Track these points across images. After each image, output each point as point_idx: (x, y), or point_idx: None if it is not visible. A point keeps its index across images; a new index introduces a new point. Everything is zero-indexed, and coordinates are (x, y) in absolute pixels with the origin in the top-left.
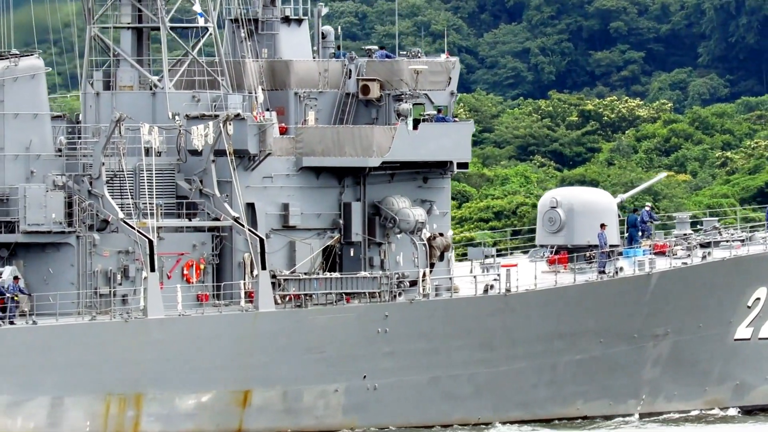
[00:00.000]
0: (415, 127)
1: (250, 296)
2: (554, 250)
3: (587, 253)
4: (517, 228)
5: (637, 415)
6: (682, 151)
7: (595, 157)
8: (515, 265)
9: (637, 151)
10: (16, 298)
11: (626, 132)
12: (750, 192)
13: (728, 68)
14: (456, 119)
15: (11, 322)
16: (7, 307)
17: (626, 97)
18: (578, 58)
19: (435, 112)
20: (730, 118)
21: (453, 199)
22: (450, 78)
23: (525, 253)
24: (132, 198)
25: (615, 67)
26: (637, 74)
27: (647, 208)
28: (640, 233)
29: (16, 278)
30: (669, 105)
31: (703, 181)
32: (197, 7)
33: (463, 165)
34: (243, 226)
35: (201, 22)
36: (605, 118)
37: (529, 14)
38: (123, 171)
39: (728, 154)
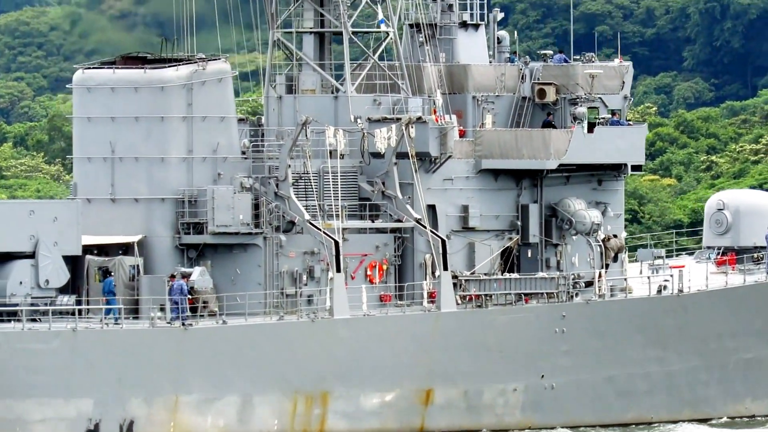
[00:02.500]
0: (590, 130)
1: (431, 296)
2: (721, 251)
3: (755, 255)
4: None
5: None
6: (667, 155)
7: None
8: (683, 267)
9: None
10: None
11: None
12: None
13: (713, 72)
14: (630, 122)
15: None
16: (198, 306)
17: None
18: None
19: (609, 116)
20: (715, 122)
21: None
22: (623, 82)
23: (691, 254)
24: (317, 200)
25: None
26: None
27: None
28: None
29: (184, 277)
30: (654, 109)
31: (687, 185)
32: (380, 15)
33: (637, 167)
34: (425, 227)
35: (383, 28)
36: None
37: (514, 18)
38: (308, 173)
39: (713, 158)
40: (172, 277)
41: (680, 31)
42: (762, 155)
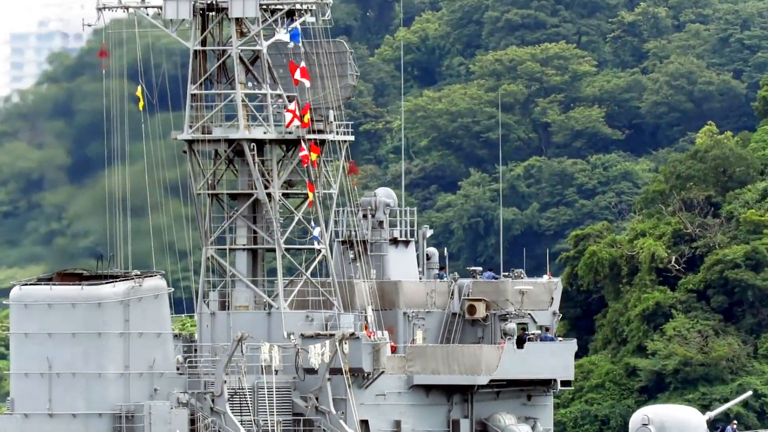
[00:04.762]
0: (520, 346)
1: None
2: None
3: None
4: None
5: None
6: None
7: None
8: None
9: None
10: None
11: None
12: None
13: None
14: (560, 339)
15: None
16: None
17: None
18: None
19: (539, 331)
20: None
21: None
22: (552, 298)
23: None
24: (252, 415)
25: None
26: None
27: (733, 426)
28: None
29: None
30: None
31: None
32: (317, 232)
33: (566, 383)
34: None
35: (317, 245)
36: None
37: None
38: (244, 389)
39: None
40: None
41: (442, 246)
42: None
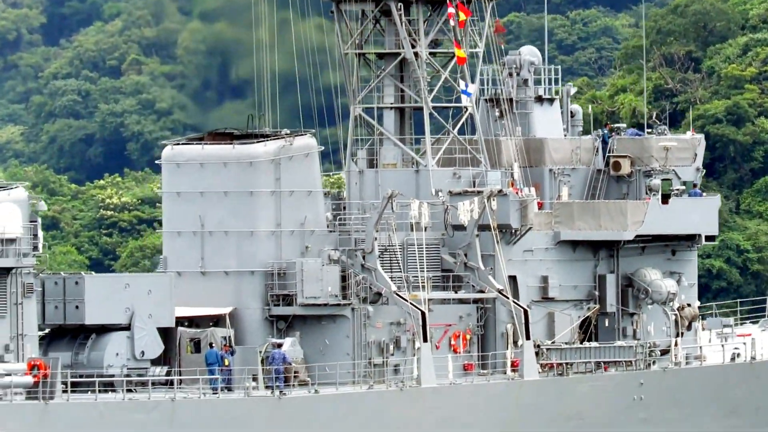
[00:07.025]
0: (664, 202)
1: (513, 365)
2: None
3: None
4: None
5: None
6: None
7: None
8: (750, 335)
9: None
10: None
11: None
12: None
13: None
14: (704, 194)
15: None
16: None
17: None
18: None
19: (683, 187)
20: None
21: None
22: (696, 154)
23: (755, 323)
24: (402, 271)
25: None
26: None
27: None
28: None
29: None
30: None
31: None
32: (471, 88)
33: (710, 238)
34: (507, 297)
35: (466, 100)
36: None
37: None
38: (394, 245)
39: None
40: (279, 345)
41: None
42: None
